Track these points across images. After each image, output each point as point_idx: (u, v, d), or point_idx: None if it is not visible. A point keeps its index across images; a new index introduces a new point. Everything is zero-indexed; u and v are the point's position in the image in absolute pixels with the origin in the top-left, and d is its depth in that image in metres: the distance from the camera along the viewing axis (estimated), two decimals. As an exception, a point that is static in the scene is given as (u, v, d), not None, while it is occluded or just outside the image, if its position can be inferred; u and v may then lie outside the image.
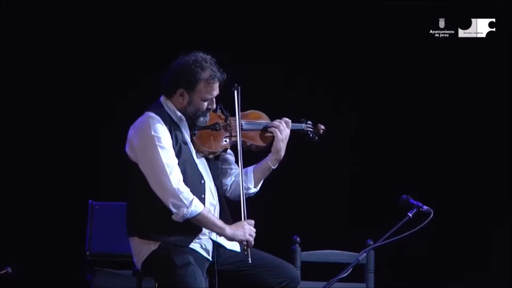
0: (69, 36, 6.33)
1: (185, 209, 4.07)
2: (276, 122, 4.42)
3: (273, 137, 4.41)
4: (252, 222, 4.20)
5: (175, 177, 4.10)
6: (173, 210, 4.08)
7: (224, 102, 4.35)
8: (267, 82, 6.30)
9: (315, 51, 6.43)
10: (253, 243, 4.16)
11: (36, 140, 6.32)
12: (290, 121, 4.45)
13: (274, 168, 4.43)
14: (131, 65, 6.31)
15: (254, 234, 4.17)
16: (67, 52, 6.33)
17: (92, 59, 6.34)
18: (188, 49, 4.32)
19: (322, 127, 4.56)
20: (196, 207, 4.09)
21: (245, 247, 4.15)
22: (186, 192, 4.09)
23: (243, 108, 4.36)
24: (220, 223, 4.17)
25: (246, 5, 6.34)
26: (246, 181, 4.40)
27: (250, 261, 4.14)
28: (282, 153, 4.41)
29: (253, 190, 4.45)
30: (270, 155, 4.43)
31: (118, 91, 6.34)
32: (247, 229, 4.16)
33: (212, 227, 4.16)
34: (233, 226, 4.18)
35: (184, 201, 4.07)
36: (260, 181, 4.45)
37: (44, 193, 6.29)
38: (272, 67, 6.38)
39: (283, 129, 4.40)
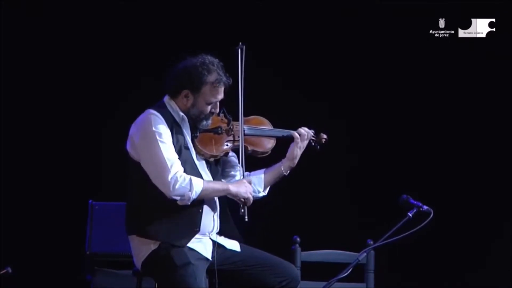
0: (69, 36, 6.33)
1: (190, 193, 4.09)
2: (303, 131, 4.47)
3: (275, 144, 4.44)
4: (251, 180, 4.27)
5: (175, 170, 4.10)
6: (178, 198, 4.09)
7: (227, 105, 4.35)
8: (266, 83, 6.30)
9: (315, 51, 6.42)
10: (252, 201, 4.20)
11: (36, 140, 6.32)
12: (312, 134, 4.50)
13: (286, 174, 4.46)
14: (132, 65, 6.31)
15: (252, 193, 4.24)
16: (67, 52, 6.33)
17: (92, 59, 6.34)
18: (188, 49, 4.32)
19: (325, 136, 4.57)
20: (197, 186, 4.11)
21: (243, 205, 4.19)
22: (182, 176, 4.10)
23: (245, 113, 4.36)
24: (221, 185, 4.23)
25: (246, 6, 6.34)
26: (256, 184, 4.42)
27: (246, 219, 4.18)
28: (296, 161, 4.45)
29: (262, 194, 4.48)
30: (284, 160, 4.46)
31: (118, 91, 6.34)
32: (248, 187, 4.22)
33: (217, 193, 4.22)
34: (235, 183, 4.24)
35: (185, 186, 4.08)
36: (269, 185, 4.49)
37: (44, 193, 6.29)
38: (272, 68, 6.38)
39: (306, 139, 4.46)
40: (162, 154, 4.11)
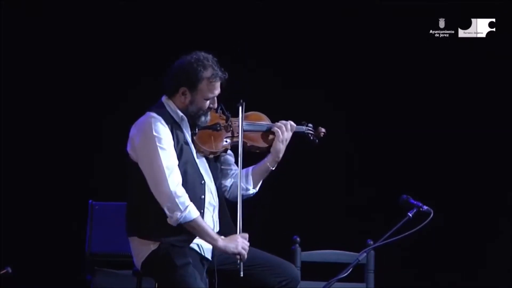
0: (69, 36, 6.32)
1: (179, 213, 4.06)
2: (279, 123, 4.44)
3: (274, 138, 4.42)
4: (246, 235, 4.18)
5: (174, 180, 4.09)
6: (168, 213, 4.08)
7: (226, 102, 4.35)
8: (266, 83, 6.30)
9: (315, 51, 6.43)
10: (246, 257, 4.14)
11: (36, 140, 6.32)
12: (294, 125, 4.47)
13: (273, 169, 4.44)
14: (132, 65, 6.31)
15: (247, 248, 4.15)
16: (67, 52, 6.33)
17: (92, 59, 6.34)
18: (189, 49, 4.32)
19: (323, 130, 4.57)
20: (190, 213, 4.08)
21: (239, 260, 4.13)
22: (183, 197, 4.08)
23: (244, 109, 4.37)
24: (213, 233, 4.15)
25: (246, 6, 6.34)
26: (245, 182, 4.41)
27: (241, 275, 4.11)
28: (281, 154, 4.42)
29: (252, 191, 4.45)
30: (269, 156, 4.43)
31: (118, 91, 6.34)
32: (240, 242, 4.14)
33: (205, 236, 4.14)
34: (227, 238, 4.15)
35: (180, 205, 4.07)
36: (259, 182, 4.46)
37: (44, 193, 6.29)
38: (272, 68, 6.38)
39: (285, 131, 4.42)
40: (161, 161, 4.10)
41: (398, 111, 6.44)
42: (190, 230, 4.12)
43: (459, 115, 6.40)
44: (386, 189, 6.10)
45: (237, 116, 4.34)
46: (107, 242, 5.72)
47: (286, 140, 4.43)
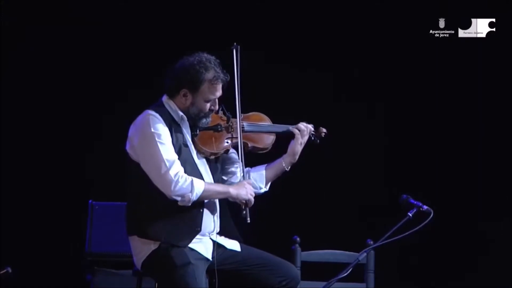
0: (68, 36, 6.32)
1: (190, 194, 4.10)
2: (302, 126, 4.47)
3: (275, 140, 4.44)
4: (251, 181, 4.28)
5: (175, 169, 4.11)
6: (179, 199, 4.10)
7: (226, 103, 4.35)
8: (266, 82, 6.30)
9: (315, 51, 6.42)
10: (253, 202, 4.20)
11: (36, 140, 6.32)
12: (312, 129, 4.50)
13: (287, 170, 4.46)
14: (132, 64, 6.31)
15: (253, 194, 4.23)
16: (67, 52, 6.33)
17: (92, 58, 6.34)
18: (188, 49, 4.32)
19: (324, 130, 4.58)
20: (198, 188, 4.11)
21: (244, 206, 4.19)
22: (183, 177, 4.10)
23: (244, 110, 4.37)
24: (222, 187, 4.23)
25: (246, 5, 6.34)
26: (257, 180, 4.43)
27: (249, 221, 4.18)
28: (297, 156, 4.45)
29: (264, 189, 4.48)
30: (285, 156, 4.46)
31: (119, 90, 6.34)
32: (248, 188, 4.23)
33: (217, 195, 4.22)
34: (235, 185, 4.24)
35: (186, 187, 4.09)
36: (270, 181, 4.48)
37: (43, 193, 6.29)
38: (272, 67, 6.38)
39: (306, 134, 4.45)
40: (161, 155, 4.11)
41: (398, 111, 6.44)
42: (204, 199, 4.15)
43: (459, 115, 6.40)
44: (386, 189, 6.10)
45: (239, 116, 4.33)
46: (107, 242, 5.72)
47: (304, 143, 4.46)
